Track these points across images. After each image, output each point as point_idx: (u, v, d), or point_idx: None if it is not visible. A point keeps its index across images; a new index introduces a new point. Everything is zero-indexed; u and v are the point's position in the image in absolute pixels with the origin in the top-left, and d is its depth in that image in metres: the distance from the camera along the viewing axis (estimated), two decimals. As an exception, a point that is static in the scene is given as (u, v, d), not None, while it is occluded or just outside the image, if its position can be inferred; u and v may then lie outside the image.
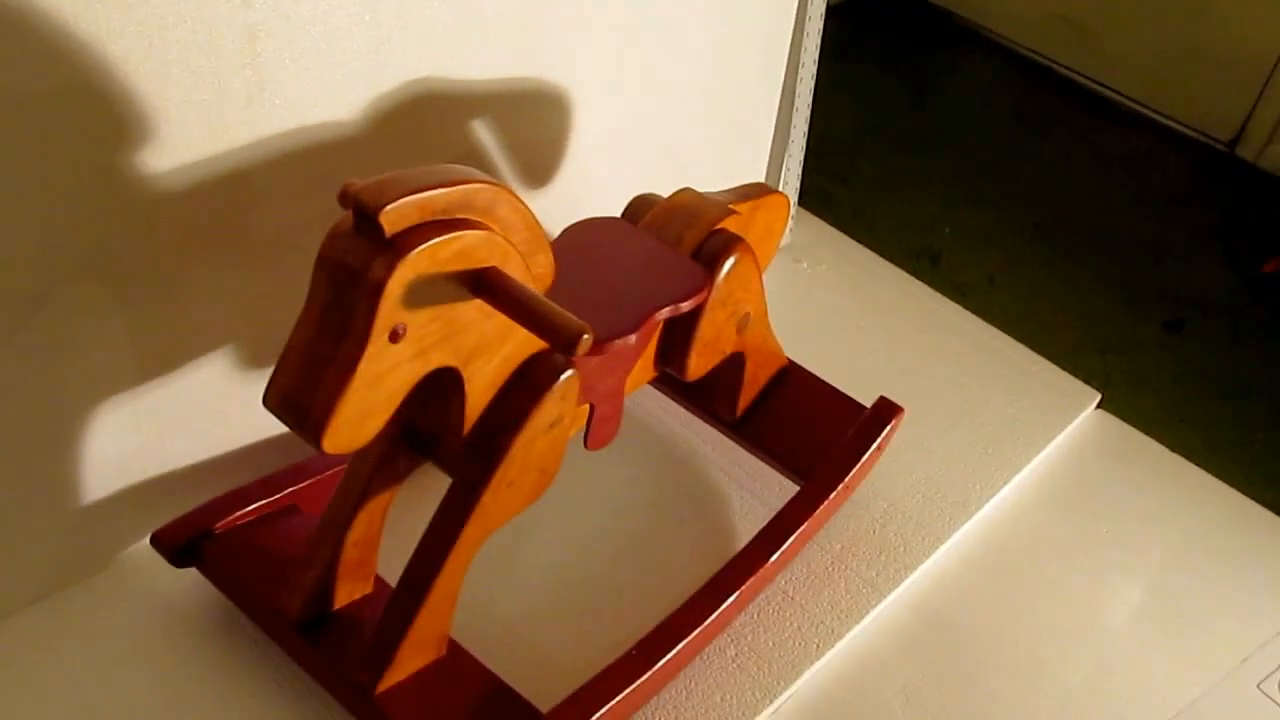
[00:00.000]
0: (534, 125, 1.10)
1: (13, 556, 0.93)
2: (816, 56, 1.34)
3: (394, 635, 0.84)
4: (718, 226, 0.97)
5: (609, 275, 0.91)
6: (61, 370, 0.87)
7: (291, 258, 0.92)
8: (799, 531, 1.03)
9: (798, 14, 1.28)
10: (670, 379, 1.14)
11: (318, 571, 0.88)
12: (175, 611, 0.96)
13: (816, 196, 1.59)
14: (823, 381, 1.15)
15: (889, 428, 1.10)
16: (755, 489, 1.15)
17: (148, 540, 0.94)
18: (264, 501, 0.97)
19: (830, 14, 1.33)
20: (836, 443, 1.10)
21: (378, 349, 0.69)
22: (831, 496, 1.06)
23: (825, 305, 1.40)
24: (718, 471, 1.17)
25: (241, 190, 0.91)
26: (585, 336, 0.71)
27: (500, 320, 0.76)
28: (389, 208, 0.67)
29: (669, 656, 0.92)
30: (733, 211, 0.98)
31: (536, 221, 0.78)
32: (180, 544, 0.92)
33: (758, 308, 1.03)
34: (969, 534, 1.16)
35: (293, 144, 0.91)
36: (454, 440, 0.81)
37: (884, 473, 1.17)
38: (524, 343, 0.80)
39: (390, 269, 0.67)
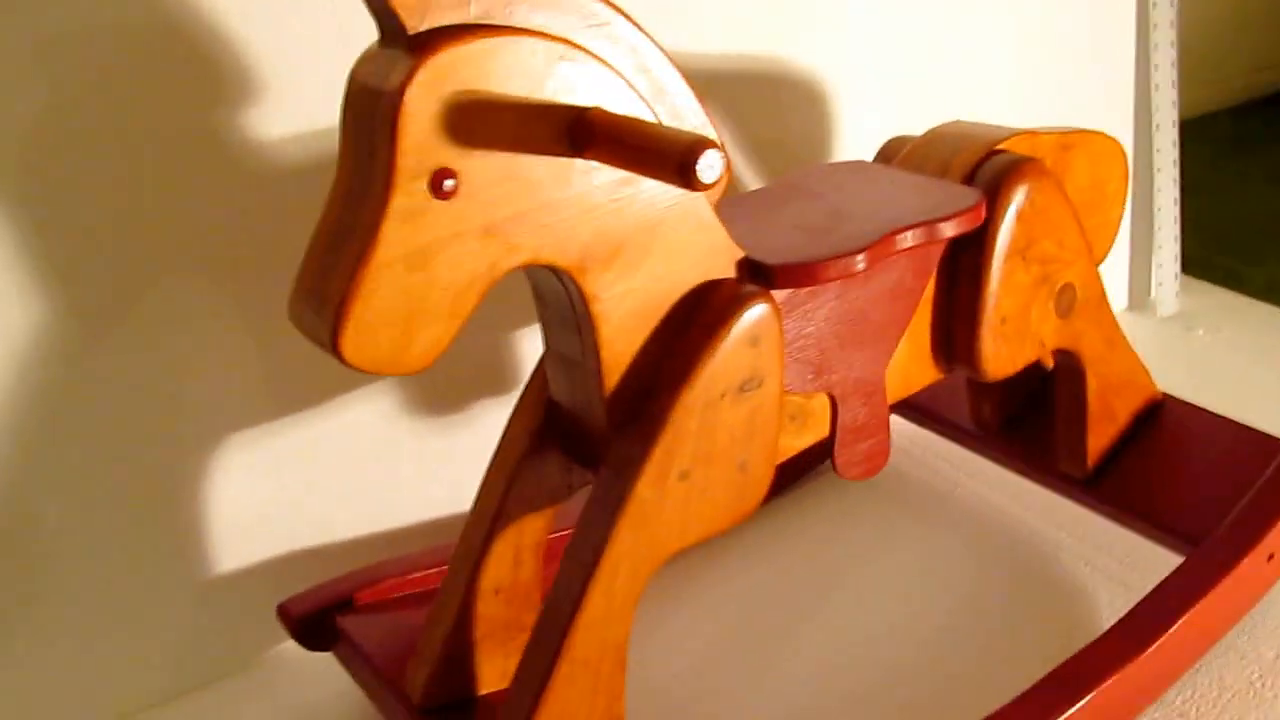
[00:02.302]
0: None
1: (126, 651, 0.75)
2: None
3: (524, 705, 0.56)
4: (999, 147, 0.69)
5: (839, 206, 0.65)
6: (173, 386, 0.71)
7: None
8: (1187, 615, 0.67)
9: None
10: (978, 426, 0.84)
11: (445, 630, 0.63)
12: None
13: (1220, 274, 1.24)
14: (1218, 416, 0.80)
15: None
16: (1126, 575, 0.79)
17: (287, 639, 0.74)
18: (426, 572, 0.74)
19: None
20: (1242, 495, 0.73)
21: (412, 200, 0.47)
22: (1240, 565, 0.69)
23: (1233, 373, 1.03)
24: (1067, 554, 0.82)
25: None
26: (710, 150, 0.45)
27: (608, 195, 0.52)
28: None
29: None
30: (1022, 132, 0.70)
31: (677, 74, 0.54)
32: (309, 615, 0.71)
33: (1086, 281, 0.71)
34: None
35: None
36: (597, 409, 0.57)
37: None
38: (681, 255, 0.55)
39: (411, 72, 0.46)
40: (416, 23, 0.47)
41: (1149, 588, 0.70)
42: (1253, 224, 1.42)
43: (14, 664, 0.71)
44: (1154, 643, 0.65)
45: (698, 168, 0.45)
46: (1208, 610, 0.68)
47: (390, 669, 0.67)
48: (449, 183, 0.48)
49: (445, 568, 0.73)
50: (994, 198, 0.66)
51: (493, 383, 0.81)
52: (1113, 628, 0.67)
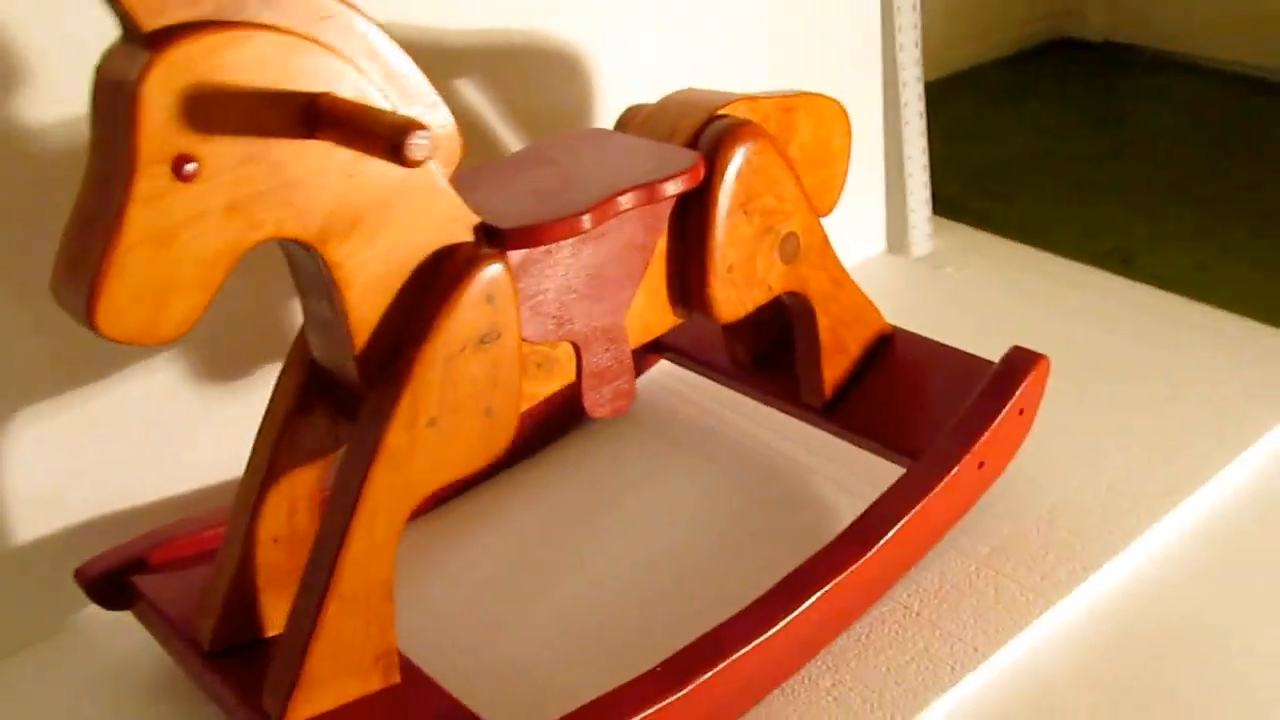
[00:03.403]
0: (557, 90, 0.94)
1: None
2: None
3: (298, 646, 0.62)
4: (720, 112, 0.76)
5: (572, 172, 0.71)
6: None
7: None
8: (906, 519, 0.76)
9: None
10: (734, 365, 0.92)
11: (228, 578, 0.68)
12: (121, 678, 0.78)
13: (975, 215, 1.35)
14: (940, 344, 0.90)
15: (1026, 381, 0.83)
16: (867, 491, 0.88)
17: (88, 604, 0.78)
18: (210, 531, 0.79)
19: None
20: (954, 410, 0.83)
21: (155, 184, 0.52)
22: (953, 473, 0.79)
23: (975, 306, 1.14)
24: (808, 472, 0.91)
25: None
26: (417, 130, 0.51)
27: (343, 171, 0.57)
28: None
29: (708, 676, 0.66)
30: (742, 97, 0.78)
31: (405, 58, 0.60)
32: (104, 576, 0.75)
33: (808, 229, 0.80)
34: (1176, 528, 0.84)
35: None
36: (349, 366, 0.62)
37: (1050, 460, 0.88)
38: (419, 223, 0.61)
39: (147, 66, 0.51)
40: (153, 20, 0.52)
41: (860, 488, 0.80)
42: (1010, 168, 1.54)
43: None
44: (877, 543, 0.74)
45: (408, 146, 0.51)
46: (927, 513, 0.77)
47: (184, 622, 0.72)
48: (189, 166, 0.52)
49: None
50: (714, 158, 0.73)
51: (271, 349, 0.86)
52: (841, 533, 0.76)
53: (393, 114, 0.54)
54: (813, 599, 0.71)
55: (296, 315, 0.86)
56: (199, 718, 0.73)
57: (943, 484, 0.78)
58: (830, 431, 0.88)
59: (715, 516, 0.88)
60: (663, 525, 0.88)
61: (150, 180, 0.52)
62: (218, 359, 0.84)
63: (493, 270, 0.62)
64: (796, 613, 0.70)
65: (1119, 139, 1.61)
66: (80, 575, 0.75)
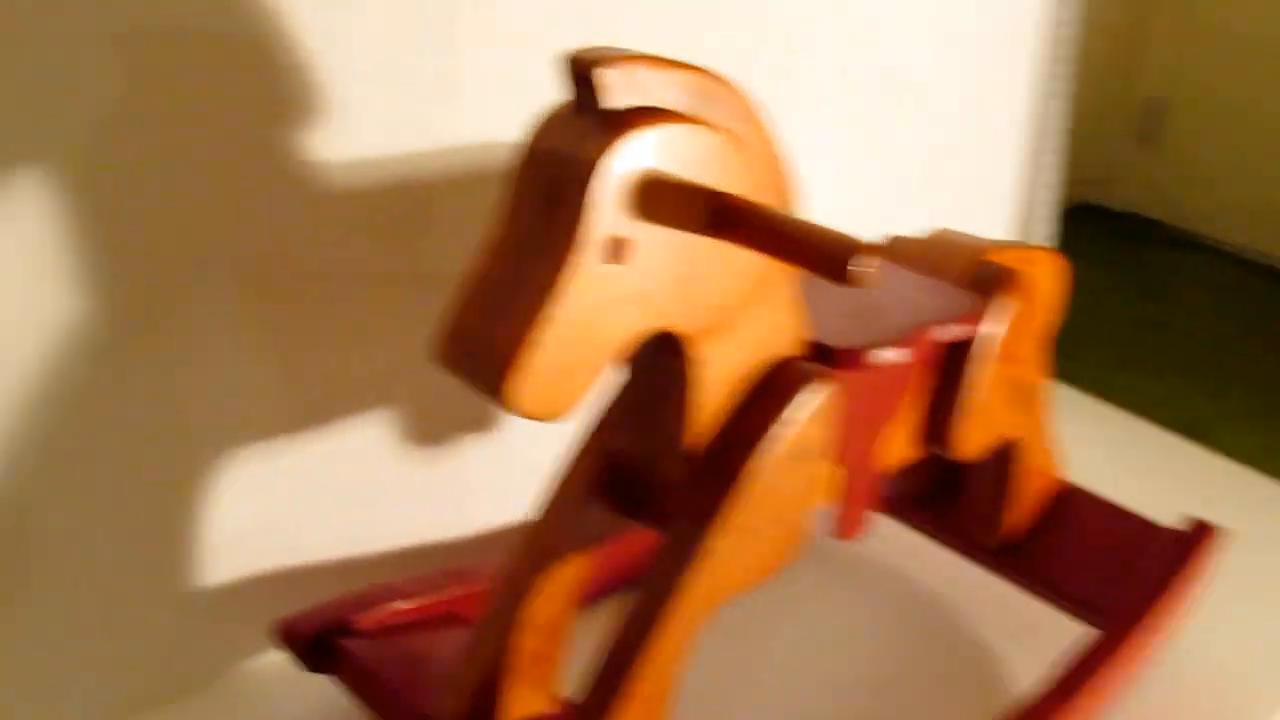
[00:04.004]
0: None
1: (111, 654, 0.73)
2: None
3: (590, 736, 0.60)
4: (988, 258, 0.78)
5: (870, 297, 0.72)
6: (186, 398, 0.71)
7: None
8: (1106, 678, 0.77)
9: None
10: (898, 498, 0.93)
11: (485, 659, 0.66)
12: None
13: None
14: (1112, 504, 0.91)
15: (1210, 553, 0.85)
16: (1028, 641, 0.89)
17: (269, 651, 0.74)
18: (419, 601, 0.76)
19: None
20: (1138, 573, 0.85)
21: (591, 265, 0.51)
22: (1148, 637, 0.80)
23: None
24: (976, 620, 0.92)
25: (416, 205, 0.76)
26: (864, 255, 0.52)
27: (739, 273, 0.57)
28: (611, 66, 0.51)
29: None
30: (1005, 246, 0.80)
31: (786, 169, 0.61)
32: (311, 636, 0.71)
33: (1035, 378, 0.82)
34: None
35: (481, 159, 0.77)
36: (674, 463, 0.61)
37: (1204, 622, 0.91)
38: (768, 330, 0.61)
39: (608, 145, 0.50)
40: (616, 99, 0.51)
41: (1044, 647, 0.81)
42: (1069, 327, 1.61)
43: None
44: (1079, 699, 0.75)
45: (860, 270, 0.51)
46: (1120, 674, 0.79)
47: (404, 693, 0.69)
48: (621, 250, 0.52)
49: (437, 597, 0.76)
50: (987, 303, 0.75)
51: (476, 420, 0.84)
52: (1039, 691, 0.76)
53: (837, 231, 0.54)
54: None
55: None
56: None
57: (1139, 646, 0.80)
58: (1000, 575, 0.89)
59: (877, 648, 0.88)
60: (821, 652, 0.87)
61: (589, 259, 0.51)
62: (423, 424, 0.81)
63: (826, 387, 0.62)
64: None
65: (1162, 311, 1.69)
66: (285, 631, 0.72)
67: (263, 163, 0.70)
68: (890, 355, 0.66)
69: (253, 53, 0.67)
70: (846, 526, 0.73)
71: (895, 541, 0.98)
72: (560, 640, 0.68)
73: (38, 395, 0.65)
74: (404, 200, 0.75)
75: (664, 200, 0.53)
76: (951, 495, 0.92)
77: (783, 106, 0.75)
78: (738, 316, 0.59)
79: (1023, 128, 1.16)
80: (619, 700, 0.60)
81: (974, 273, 0.77)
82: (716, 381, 0.60)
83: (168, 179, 0.67)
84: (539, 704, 0.67)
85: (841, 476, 0.71)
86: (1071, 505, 0.91)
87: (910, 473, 0.93)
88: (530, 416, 0.52)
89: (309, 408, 0.75)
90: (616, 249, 0.52)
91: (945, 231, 0.82)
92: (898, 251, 0.81)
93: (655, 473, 0.63)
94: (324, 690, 0.73)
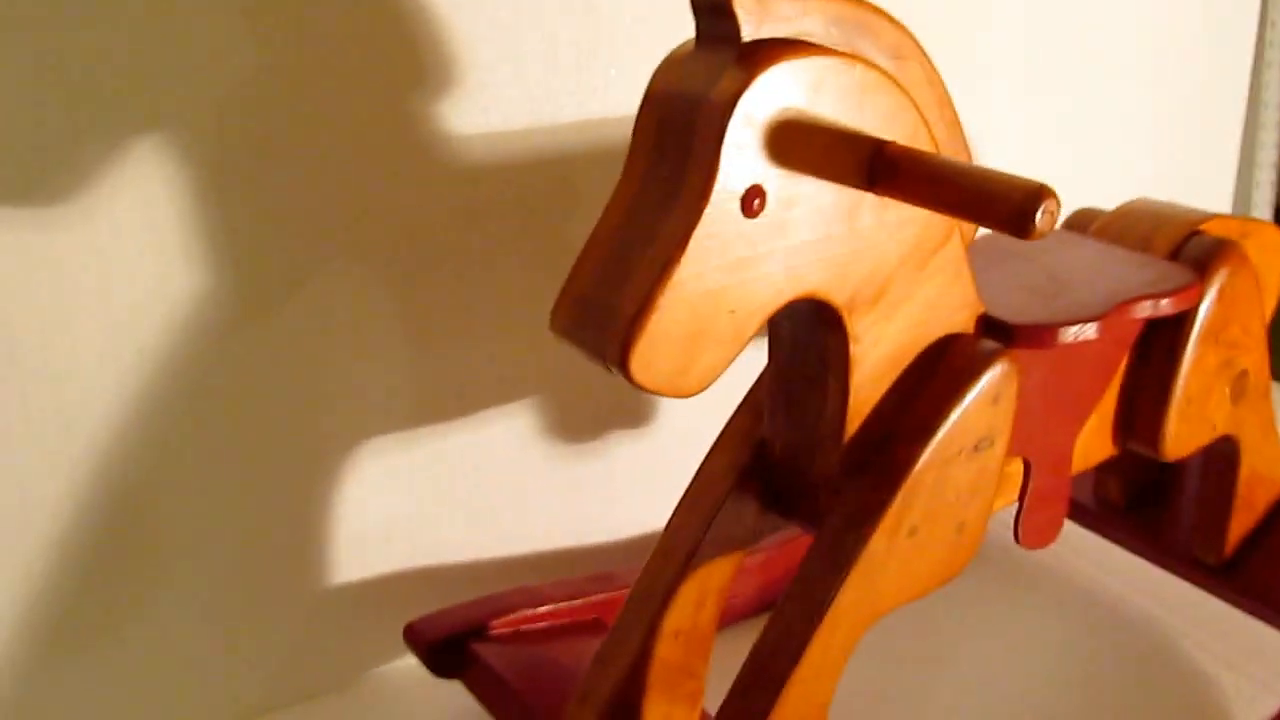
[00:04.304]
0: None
1: (241, 653, 0.71)
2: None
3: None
4: (1200, 229, 0.68)
5: (1056, 271, 0.64)
6: (316, 383, 0.68)
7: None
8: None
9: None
10: (1100, 507, 0.83)
11: (620, 669, 0.60)
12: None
13: None
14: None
15: None
16: (1254, 671, 0.78)
17: (405, 655, 0.70)
18: (558, 605, 0.71)
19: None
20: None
21: (723, 218, 0.45)
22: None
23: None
24: (1192, 645, 0.81)
25: (560, 183, 0.71)
26: (1052, 198, 0.44)
27: (898, 232, 0.50)
28: None
29: None
30: (1216, 215, 0.70)
31: (953, 112, 0.53)
32: (440, 640, 0.67)
33: (1259, 369, 0.71)
34: None
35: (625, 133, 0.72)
36: (828, 455, 0.54)
37: None
38: (936, 302, 0.54)
39: (745, 82, 0.44)
40: (751, 30, 0.45)
41: (1269, 676, 0.70)
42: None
43: (120, 662, 0.66)
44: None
45: (1040, 216, 0.44)
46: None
47: (536, 702, 0.64)
48: (759, 201, 0.45)
49: (575, 603, 0.71)
50: (1200, 271, 0.65)
51: (627, 416, 0.78)
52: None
53: (1011, 175, 0.47)
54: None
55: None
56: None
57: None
58: (1219, 594, 0.78)
59: (1074, 673, 0.78)
60: (1011, 674, 0.78)
61: (719, 210, 0.45)
62: (570, 420, 0.77)
63: (1002, 368, 0.54)
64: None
65: None
66: (414, 634, 0.68)
67: (395, 138, 0.66)
68: (1083, 332, 0.57)
69: (384, 24, 0.64)
70: (1033, 531, 0.64)
71: (1094, 555, 0.88)
72: (703, 651, 0.61)
73: (163, 380, 0.63)
74: (545, 178, 0.71)
75: (810, 146, 0.46)
76: (1159, 504, 0.82)
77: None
78: (899, 286, 0.52)
79: (1240, 98, 1.04)
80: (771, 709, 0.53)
81: (1182, 245, 0.67)
82: (876, 361, 0.53)
83: (296, 155, 0.64)
84: (675, 715, 0.60)
85: (1027, 474, 0.63)
86: (1300, 516, 0.79)
87: (1112, 476, 0.83)
88: (655, 390, 0.46)
89: (445, 397, 0.71)
90: (754, 201, 0.45)
91: (1144, 201, 0.72)
92: (1083, 224, 0.72)
93: (808, 466, 0.56)
94: (457, 696, 0.68)
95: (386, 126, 0.66)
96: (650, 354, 0.45)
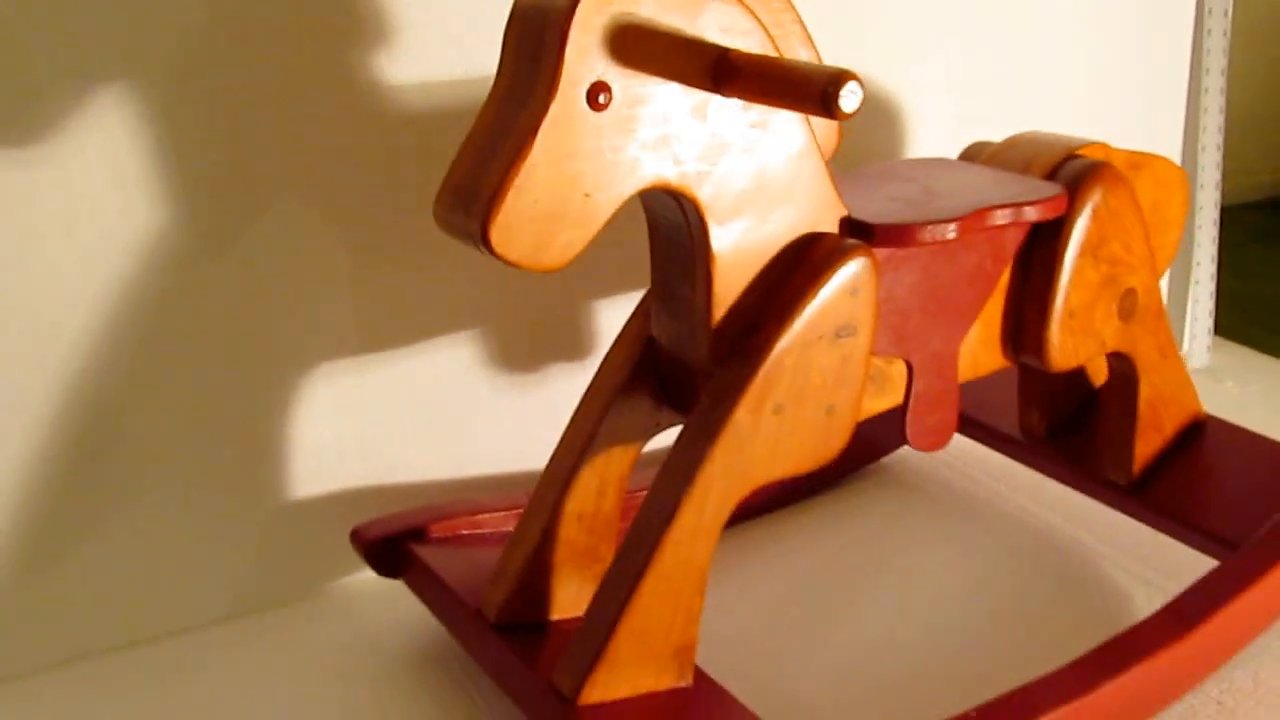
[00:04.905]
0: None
1: (208, 559, 0.78)
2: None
3: (606, 620, 0.59)
4: (1076, 152, 0.73)
5: (932, 188, 0.69)
6: (269, 312, 0.75)
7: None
8: (1229, 605, 0.70)
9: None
10: (1025, 436, 0.87)
11: (526, 550, 0.66)
12: (380, 645, 0.76)
13: (1252, 342, 1.28)
14: (1256, 434, 0.83)
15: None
16: (1160, 580, 0.81)
17: (361, 569, 0.77)
18: (495, 514, 0.77)
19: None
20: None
21: (568, 107, 0.51)
22: (1276, 570, 0.72)
23: (1261, 422, 1.06)
24: (1099, 557, 0.85)
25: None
26: (852, 80, 0.49)
27: (757, 139, 0.56)
28: None
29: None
30: (1097, 142, 0.75)
31: (808, 36, 0.59)
32: (380, 540, 0.73)
33: (1147, 289, 0.75)
34: None
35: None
36: (700, 344, 0.60)
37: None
38: (795, 203, 0.59)
39: None
40: None
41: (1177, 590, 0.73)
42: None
43: (101, 561, 0.74)
44: (1194, 629, 0.68)
45: (840, 95, 0.49)
46: (1245, 607, 0.71)
47: (464, 593, 0.70)
48: (604, 96, 0.52)
49: (515, 512, 0.77)
50: (1073, 195, 0.70)
51: (568, 349, 0.85)
52: (1156, 613, 0.70)
53: (821, 64, 0.53)
54: (1130, 669, 0.65)
55: (600, 320, 0.85)
56: (468, 688, 0.71)
57: (1266, 578, 0.72)
58: (1132, 514, 0.82)
59: (997, 589, 0.82)
60: (937, 590, 0.83)
61: (566, 103, 0.51)
62: (517, 348, 0.83)
63: (860, 262, 0.60)
64: (1113, 681, 0.64)
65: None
66: (358, 536, 0.74)
67: (338, 85, 0.73)
68: (940, 232, 0.63)
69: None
70: (922, 434, 0.69)
71: (1019, 483, 0.93)
72: (608, 535, 0.67)
73: (127, 301, 0.70)
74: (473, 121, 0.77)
75: (651, 49, 0.53)
76: (1080, 433, 0.87)
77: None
78: (756, 185, 0.58)
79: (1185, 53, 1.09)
80: (643, 579, 0.58)
81: (1059, 167, 0.72)
82: (736, 251, 0.59)
83: (247, 102, 0.71)
84: (585, 596, 0.66)
85: (911, 376, 0.68)
86: (1207, 436, 0.83)
87: (1034, 408, 0.88)
88: (518, 263, 0.52)
89: (391, 327, 0.78)
90: (599, 95, 0.52)
91: (1032, 131, 0.77)
92: (975, 155, 0.77)
93: (688, 358, 0.62)
94: (410, 608, 0.74)
95: (330, 74, 0.73)
96: (509, 229, 0.51)
